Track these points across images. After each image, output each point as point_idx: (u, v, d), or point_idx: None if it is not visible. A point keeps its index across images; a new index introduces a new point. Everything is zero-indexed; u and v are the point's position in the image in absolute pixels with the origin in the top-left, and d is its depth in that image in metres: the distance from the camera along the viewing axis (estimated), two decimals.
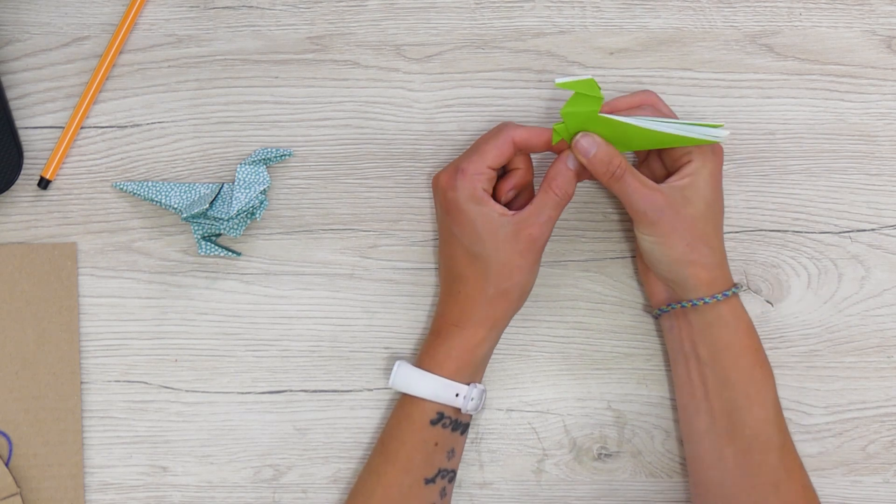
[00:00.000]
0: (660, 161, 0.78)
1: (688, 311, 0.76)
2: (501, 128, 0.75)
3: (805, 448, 0.82)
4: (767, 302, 0.82)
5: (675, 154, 0.75)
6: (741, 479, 0.74)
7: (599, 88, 0.71)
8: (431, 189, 0.81)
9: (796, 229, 0.82)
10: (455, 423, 0.75)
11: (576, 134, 0.73)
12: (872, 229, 0.82)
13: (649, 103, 0.76)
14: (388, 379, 0.76)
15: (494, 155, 0.74)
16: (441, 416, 0.75)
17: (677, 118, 0.76)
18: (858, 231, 0.82)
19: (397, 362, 0.76)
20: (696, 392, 0.76)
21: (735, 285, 0.75)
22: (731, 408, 0.74)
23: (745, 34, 0.82)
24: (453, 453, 0.76)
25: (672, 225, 0.73)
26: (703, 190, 0.73)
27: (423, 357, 0.76)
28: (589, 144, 0.73)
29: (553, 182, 0.74)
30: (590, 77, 0.71)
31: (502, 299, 0.75)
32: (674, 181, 0.74)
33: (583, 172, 0.75)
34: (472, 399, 0.75)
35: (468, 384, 0.75)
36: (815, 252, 0.82)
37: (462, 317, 0.75)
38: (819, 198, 0.82)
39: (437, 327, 0.76)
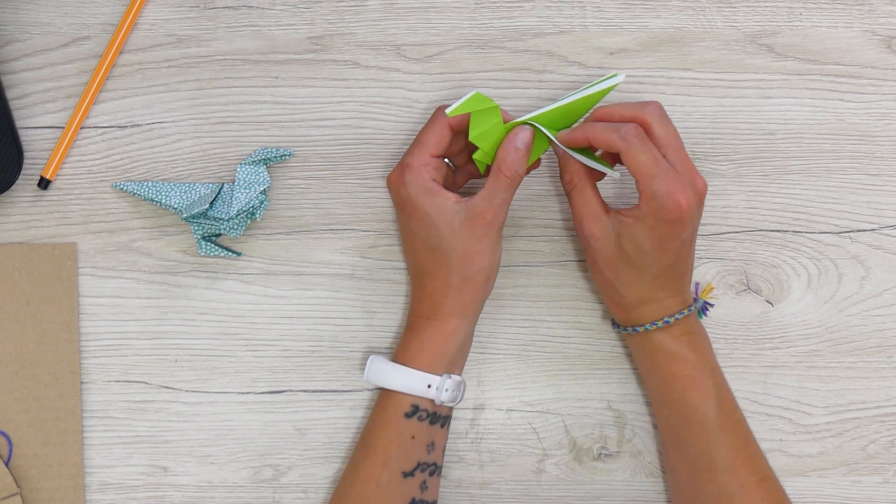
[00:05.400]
0: None
1: None
2: (437, 114, 0.74)
3: (805, 448, 0.82)
4: (767, 302, 0.82)
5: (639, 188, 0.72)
6: (695, 494, 0.75)
7: (489, 98, 0.72)
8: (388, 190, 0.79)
9: (796, 229, 0.82)
10: (433, 415, 0.75)
11: (498, 152, 0.73)
12: (872, 229, 0.82)
13: (640, 121, 0.71)
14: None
15: (434, 143, 0.73)
16: (416, 408, 0.74)
17: (675, 140, 0.72)
18: (858, 231, 0.82)
19: (371, 357, 0.76)
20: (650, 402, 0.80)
21: (655, 321, 0.74)
22: (672, 426, 0.75)
23: (745, 34, 0.82)
24: (433, 446, 0.75)
25: (594, 256, 0.74)
26: (639, 238, 0.71)
27: (398, 352, 0.76)
28: (562, 144, 0.74)
29: (503, 164, 0.72)
30: (474, 92, 0.72)
31: (468, 287, 0.74)
32: (622, 214, 0.72)
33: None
34: (445, 390, 0.74)
35: (442, 375, 0.75)
36: (815, 252, 0.82)
37: (432, 309, 0.75)
38: (819, 198, 0.82)
39: (411, 323, 0.76)
